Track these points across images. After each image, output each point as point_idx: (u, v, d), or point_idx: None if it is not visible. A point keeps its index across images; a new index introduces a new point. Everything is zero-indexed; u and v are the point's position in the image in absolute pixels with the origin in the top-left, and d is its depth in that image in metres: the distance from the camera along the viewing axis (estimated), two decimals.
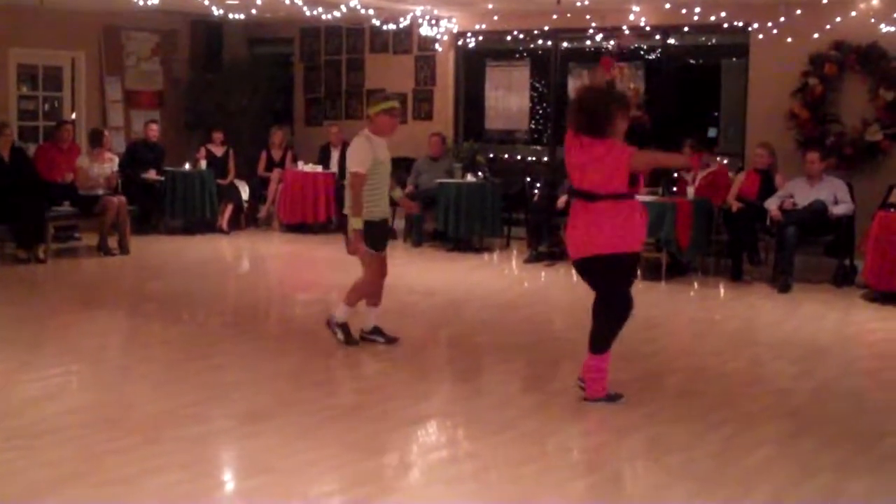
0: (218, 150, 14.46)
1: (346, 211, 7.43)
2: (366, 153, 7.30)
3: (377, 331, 7.74)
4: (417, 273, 11.35)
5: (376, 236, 7.44)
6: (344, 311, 7.63)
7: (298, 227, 14.29)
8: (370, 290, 7.64)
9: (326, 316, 7.81)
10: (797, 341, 8.31)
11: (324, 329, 7.70)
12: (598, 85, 6.61)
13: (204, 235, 13.78)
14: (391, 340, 7.71)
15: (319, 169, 14.40)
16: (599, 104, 6.20)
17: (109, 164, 12.55)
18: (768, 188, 11.11)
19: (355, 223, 7.28)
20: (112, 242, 12.02)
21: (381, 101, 7.55)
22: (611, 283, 6.28)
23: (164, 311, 9.19)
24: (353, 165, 7.33)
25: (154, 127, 13.98)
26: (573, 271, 6.54)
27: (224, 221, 14.15)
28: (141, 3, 12.33)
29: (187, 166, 13.94)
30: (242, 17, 14.62)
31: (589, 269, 6.32)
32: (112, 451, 5.24)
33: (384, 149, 7.48)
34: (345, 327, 7.64)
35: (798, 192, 10.84)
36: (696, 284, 10.98)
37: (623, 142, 6.27)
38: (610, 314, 6.29)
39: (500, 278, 11.27)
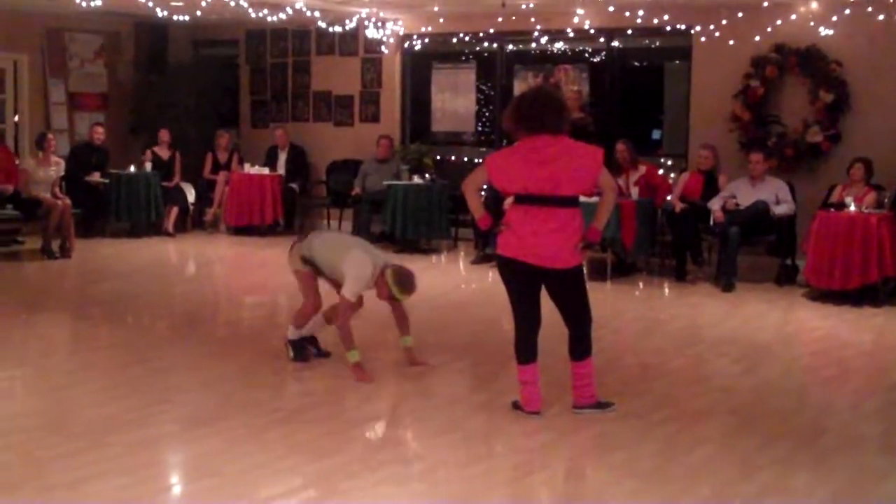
0: (164, 153, 14.37)
1: None
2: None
3: (311, 340, 7.34)
4: None
5: None
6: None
7: (245, 230, 14.22)
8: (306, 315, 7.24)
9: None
10: (740, 340, 8.42)
11: (270, 331, 7.63)
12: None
13: (149, 238, 13.68)
14: (322, 354, 7.34)
15: (266, 171, 14.37)
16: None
17: (56, 168, 12.44)
18: (711, 189, 11.23)
19: None
20: (55, 246, 11.90)
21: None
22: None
23: (108, 315, 9.11)
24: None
25: (99, 129, 13.84)
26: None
27: (169, 224, 14.06)
28: (84, 4, 12.23)
29: (132, 169, 13.84)
30: (187, 18, 14.55)
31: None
32: (55, 456, 5.20)
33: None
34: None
35: (740, 192, 10.98)
36: (640, 284, 11.08)
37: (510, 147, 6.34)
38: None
39: (448, 279, 11.28)
